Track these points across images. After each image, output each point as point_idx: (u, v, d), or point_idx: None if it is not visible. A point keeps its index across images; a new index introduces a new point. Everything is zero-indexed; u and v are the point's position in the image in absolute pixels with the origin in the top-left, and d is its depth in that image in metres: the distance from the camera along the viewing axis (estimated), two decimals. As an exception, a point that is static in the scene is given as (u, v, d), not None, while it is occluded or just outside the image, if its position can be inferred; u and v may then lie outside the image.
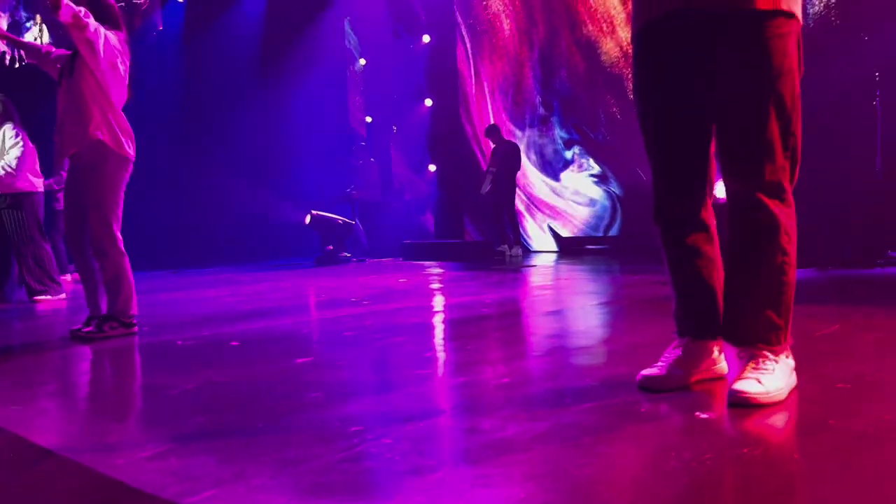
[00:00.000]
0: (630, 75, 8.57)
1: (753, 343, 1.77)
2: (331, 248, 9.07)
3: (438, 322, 3.72)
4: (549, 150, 9.72)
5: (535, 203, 9.92)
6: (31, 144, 5.51)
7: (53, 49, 3.51)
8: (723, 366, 1.95)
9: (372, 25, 11.41)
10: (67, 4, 3.08)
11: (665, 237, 1.95)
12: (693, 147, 1.87)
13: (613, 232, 9.07)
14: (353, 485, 1.35)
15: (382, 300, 4.67)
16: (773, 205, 1.75)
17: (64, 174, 7.05)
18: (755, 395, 1.67)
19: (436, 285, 5.71)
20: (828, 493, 1.23)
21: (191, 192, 10.39)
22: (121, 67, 3.32)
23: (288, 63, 10.88)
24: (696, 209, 1.89)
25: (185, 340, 3.20)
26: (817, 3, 6.48)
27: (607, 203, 9.11)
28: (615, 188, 9.01)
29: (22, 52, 3.55)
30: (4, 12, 12.75)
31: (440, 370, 2.51)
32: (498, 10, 10.14)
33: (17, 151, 5.34)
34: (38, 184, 5.58)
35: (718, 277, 1.90)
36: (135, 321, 3.42)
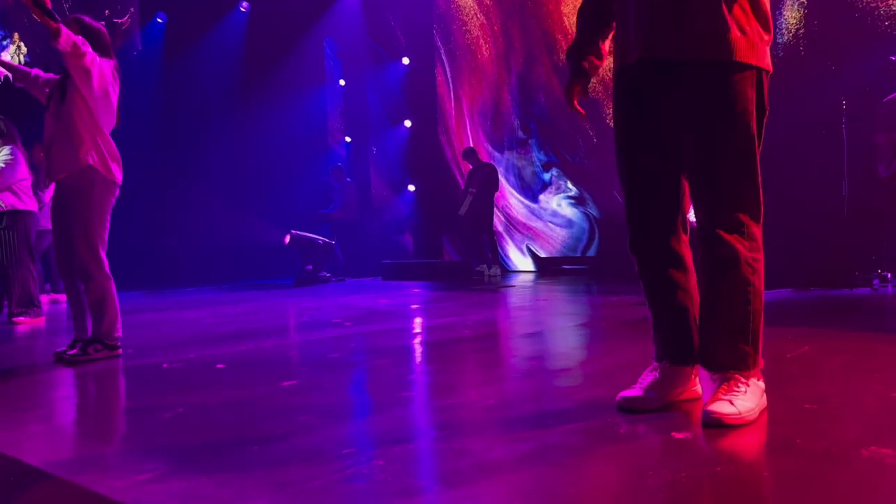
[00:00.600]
0: (606, 101, 8.79)
1: (723, 368, 1.87)
2: (310, 267, 9.09)
3: (420, 344, 3.79)
4: (527, 172, 9.88)
5: (513, 224, 10.07)
6: (26, 168, 5.50)
7: (42, 73, 3.55)
8: (697, 388, 2.05)
9: (352, 47, 11.54)
10: (68, 33, 3.14)
11: (641, 268, 2.05)
12: (662, 186, 1.98)
13: (591, 253, 9.23)
14: (350, 505, 1.42)
15: (364, 322, 4.73)
16: (734, 239, 1.86)
17: (41, 194, 7.08)
18: (728, 416, 1.77)
19: (416, 306, 5.78)
20: (795, 508, 1.32)
21: (168, 212, 10.36)
22: (111, 94, 3.38)
23: (268, 83, 10.95)
24: (668, 242, 1.99)
25: (171, 363, 3.23)
26: (786, 32, 6.73)
27: (585, 225, 9.28)
28: (592, 210, 9.18)
29: (9, 75, 3.57)
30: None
31: (425, 392, 2.58)
32: (477, 34, 10.33)
33: (0, 165, 5.30)
34: (33, 205, 5.58)
35: (693, 306, 2.00)
36: (119, 344, 3.44)
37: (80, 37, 3.22)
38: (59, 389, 2.91)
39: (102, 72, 3.33)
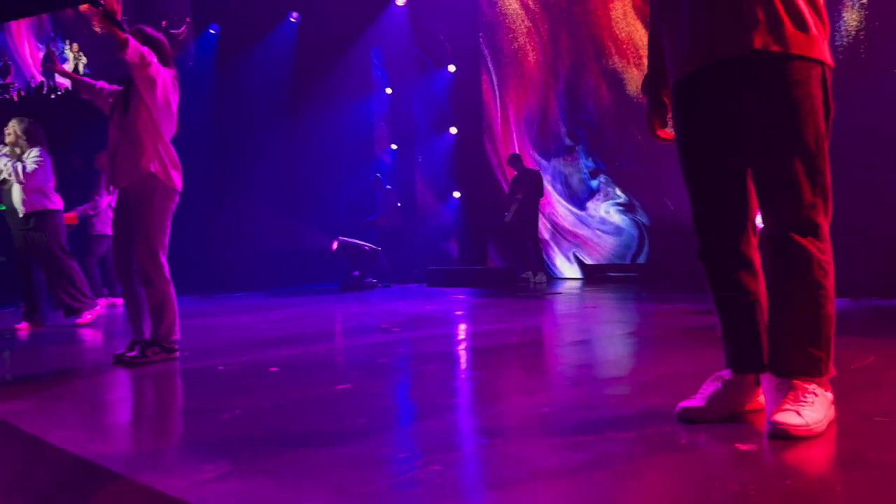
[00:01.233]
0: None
1: (793, 376, 1.81)
2: (357, 273, 9.17)
3: (468, 350, 3.78)
4: (574, 180, 9.80)
5: (560, 231, 9.99)
6: (50, 169, 5.64)
7: (107, 85, 3.67)
8: (761, 399, 1.99)
9: (398, 55, 11.64)
10: (135, 44, 3.24)
11: (709, 273, 2.01)
12: (730, 189, 1.94)
13: (640, 260, 9.09)
14: (409, 509, 1.41)
15: (411, 327, 4.74)
16: (807, 242, 1.81)
17: (98, 200, 7.30)
18: (795, 428, 1.71)
19: (462, 312, 5.77)
20: (871, 524, 1.27)
21: (219, 219, 10.58)
22: (172, 103, 3.48)
23: (316, 92, 11.11)
24: (737, 246, 1.95)
25: (227, 366, 3.29)
26: (846, 35, 6.54)
27: (634, 232, 9.15)
28: (642, 217, 9.05)
29: (73, 86, 3.70)
30: (42, 43, 13.20)
31: (476, 398, 2.56)
32: (524, 41, 10.31)
33: (33, 166, 5.47)
34: (58, 203, 5.71)
35: (762, 312, 1.94)
36: (177, 347, 3.51)
37: (146, 48, 3.32)
38: (119, 390, 2.99)
39: (165, 81, 3.43)
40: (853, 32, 6.53)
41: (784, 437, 1.71)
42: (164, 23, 11.53)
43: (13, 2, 10.85)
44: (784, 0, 1.82)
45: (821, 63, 1.84)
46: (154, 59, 3.35)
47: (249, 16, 10.56)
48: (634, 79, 8.95)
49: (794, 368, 1.82)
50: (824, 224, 1.84)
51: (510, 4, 10.41)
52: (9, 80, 12.76)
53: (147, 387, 3.04)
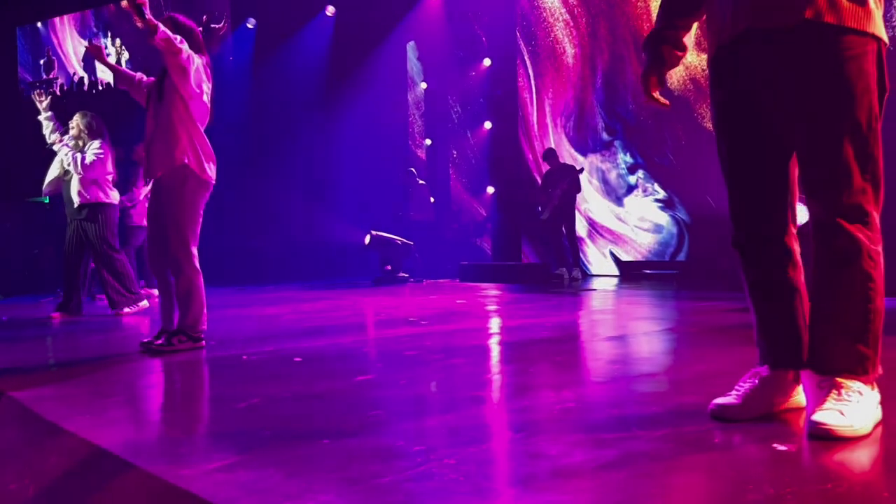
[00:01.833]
0: (697, 100, 8.46)
1: (837, 372, 1.69)
2: (389, 267, 9.14)
3: (497, 344, 3.69)
4: (612, 175, 9.61)
5: (596, 228, 9.81)
6: (111, 163, 5.74)
7: (145, 78, 3.68)
8: (801, 397, 1.86)
9: (434, 49, 11.57)
10: (164, 31, 3.23)
11: (744, 261, 1.88)
12: (769, 172, 1.82)
13: (680, 258, 8.87)
14: (419, 505, 1.34)
15: (441, 321, 4.67)
16: (855, 229, 1.68)
17: (136, 191, 7.39)
18: (837, 428, 1.59)
19: (493, 307, 5.68)
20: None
21: (253, 211, 10.67)
22: (206, 92, 3.46)
23: (351, 86, 11.12)
24: (776, 233, 1.83)
25: (251, 355, 3.26)
26: None
27: (674, 230, 8.94)
28: (682, 214, 8.83)
29: (113, 79, 3.72)
30: (84, 38, 13.46)
31: (501, 393, 2.48)
32: (561, 34, 10.15)
33: (92, 157, 5.54)
34: (114, 197, 5.80)
35: (801, 305, 1.82)
36: (203, 336, 3.50)
37: (176, 35, 3.30)
38: (141, 378, 2.98)
39: (197, 69, 3.42)
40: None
41: (825, 437, 1.59)
42: (204, 17, 11.65)
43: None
44: None
45: (877, 39, 1.71)
46: (184, 47, 3.33)
47: (286, 10, 10.62)
48: (675, 72, 8.73)
49: (837, 366, 1.69)
50: (875, 213, 1.71)
51: (548, -3, 10.27)
52: (52, 74, 13.06)
53: (169, 375, 3.03)
